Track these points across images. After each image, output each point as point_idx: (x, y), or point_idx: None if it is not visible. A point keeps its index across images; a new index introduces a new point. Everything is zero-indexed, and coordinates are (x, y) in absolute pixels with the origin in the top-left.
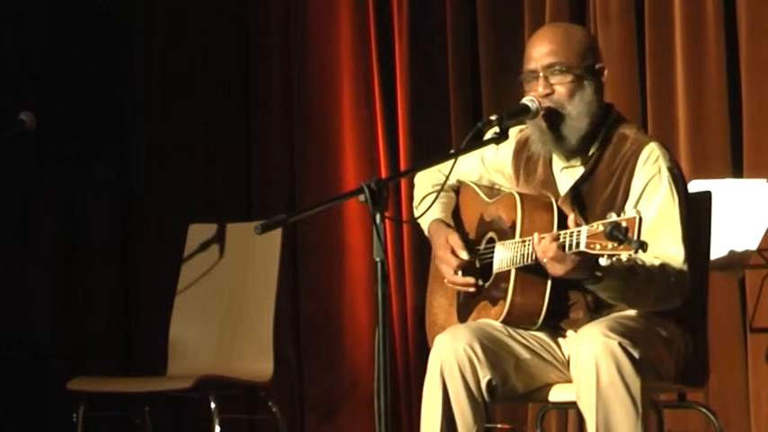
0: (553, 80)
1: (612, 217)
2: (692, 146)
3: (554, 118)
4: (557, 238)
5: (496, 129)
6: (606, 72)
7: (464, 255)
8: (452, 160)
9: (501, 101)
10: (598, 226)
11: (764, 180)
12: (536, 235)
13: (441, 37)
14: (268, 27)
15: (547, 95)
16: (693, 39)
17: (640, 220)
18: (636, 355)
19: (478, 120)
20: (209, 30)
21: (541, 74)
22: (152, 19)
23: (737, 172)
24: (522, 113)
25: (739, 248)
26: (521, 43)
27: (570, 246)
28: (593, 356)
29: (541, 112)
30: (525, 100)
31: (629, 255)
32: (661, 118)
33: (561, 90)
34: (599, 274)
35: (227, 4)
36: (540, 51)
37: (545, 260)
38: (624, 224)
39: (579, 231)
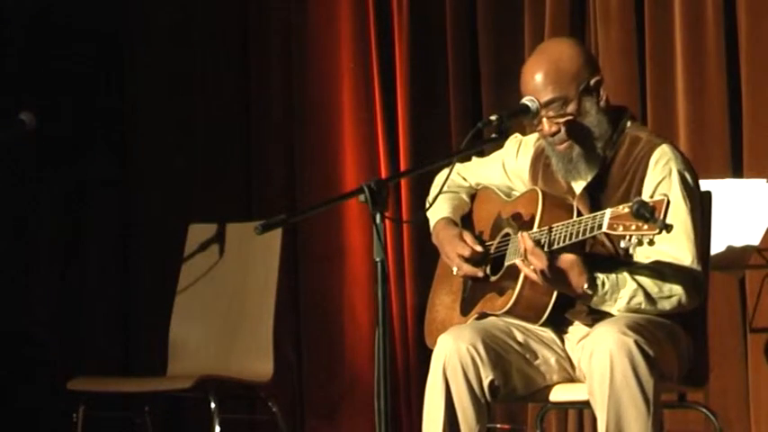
0: (556, 117)
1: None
2: (692, 146)
3: (571, 146)
4: (536, 240)
5: (496, 129)
6: (603, 80)
7: (478, 248)
8: (473, 163)
9: (501, 101)
10: (624, 207)
11: (764, 180)
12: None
13: (441, 37)
14: (268, 27)
15: (554, 134)
16: (693, 39)
17: (668, 202)
18: (651, 353)
19: (478, 120)
20: (210, 29)
21: (543, 113)
22: (153, 19)
23: (737, 172)
24: (522, 113)
25: (739, 248)
26: (521, 43)
27: (592, 228)
28: (608, 353)
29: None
30: (525, 100)
31: (651, 237)
32: (661, 118)
33: (564, 127)
34: (590, 292)
35: (227, 4)
36: (535, 87)
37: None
38: (651, 203)
39: (603, 213)
